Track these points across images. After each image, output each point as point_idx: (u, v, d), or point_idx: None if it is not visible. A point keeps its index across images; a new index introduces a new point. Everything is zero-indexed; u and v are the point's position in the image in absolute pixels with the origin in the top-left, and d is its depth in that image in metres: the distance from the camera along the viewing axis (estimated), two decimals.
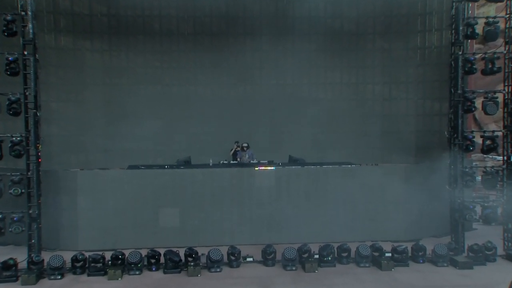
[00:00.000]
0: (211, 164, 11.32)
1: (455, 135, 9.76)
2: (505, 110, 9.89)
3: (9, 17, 8.95)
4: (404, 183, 10.42)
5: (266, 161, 11.22)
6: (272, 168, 10.73)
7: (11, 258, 8.63)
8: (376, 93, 14.08)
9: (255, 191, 10.38)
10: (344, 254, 9.24)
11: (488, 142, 9.58)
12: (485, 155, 11.13)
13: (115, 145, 13.17)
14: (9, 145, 8.93)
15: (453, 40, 9.82)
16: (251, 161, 11.59)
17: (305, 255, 9.06)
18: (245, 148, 12.23)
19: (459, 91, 9.68)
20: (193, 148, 13.21)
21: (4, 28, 8.97)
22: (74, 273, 8.76)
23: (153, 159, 13.09)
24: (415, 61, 13.66)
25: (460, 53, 9.69)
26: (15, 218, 8.90)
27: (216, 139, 13.33)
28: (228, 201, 10.36)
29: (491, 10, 14.07)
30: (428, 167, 10.52)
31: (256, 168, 10.62)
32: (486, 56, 9.63)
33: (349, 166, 11.13)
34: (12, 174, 9.02)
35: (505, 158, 9.80)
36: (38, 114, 9.17)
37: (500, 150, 9.91)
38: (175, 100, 13.69)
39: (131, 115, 13.21)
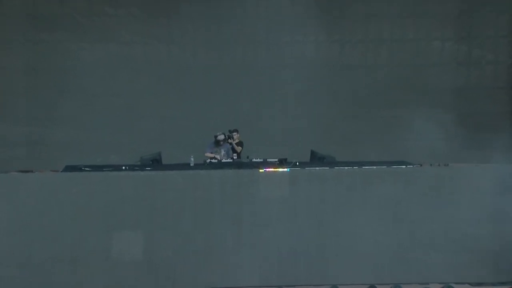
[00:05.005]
0: (192, 164, 11.16)
1: None
2: None
3: None
4: (493, 192, 10.06)
5: (276, 160, 10.99)
6: (285, 169, 10.47)
7: None
8: (446, 55, 13.94)
9: (259, 204, 10.06)
10: None
11: None
12: None
13: (45, 135, 13.22)
14: None
15: None
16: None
17: None
18: (221, 142, 11.84)
19: None
20: (166, 140, 13.22)
21: None
22: None
23: (105, 156, 12.84)
24: (510, 4, 13.49)
25: None
26: None
27: (200, 126, 13.25)
28: (219, 219, 10.03)
29: None
30: None
31: (261, 170, 10.36)
32: None
33: (403, 167, 10.90)
34: None
35: None
36: None
37: None
38: (138, 67, 13.68)
39: (70, 90, 13.21)
